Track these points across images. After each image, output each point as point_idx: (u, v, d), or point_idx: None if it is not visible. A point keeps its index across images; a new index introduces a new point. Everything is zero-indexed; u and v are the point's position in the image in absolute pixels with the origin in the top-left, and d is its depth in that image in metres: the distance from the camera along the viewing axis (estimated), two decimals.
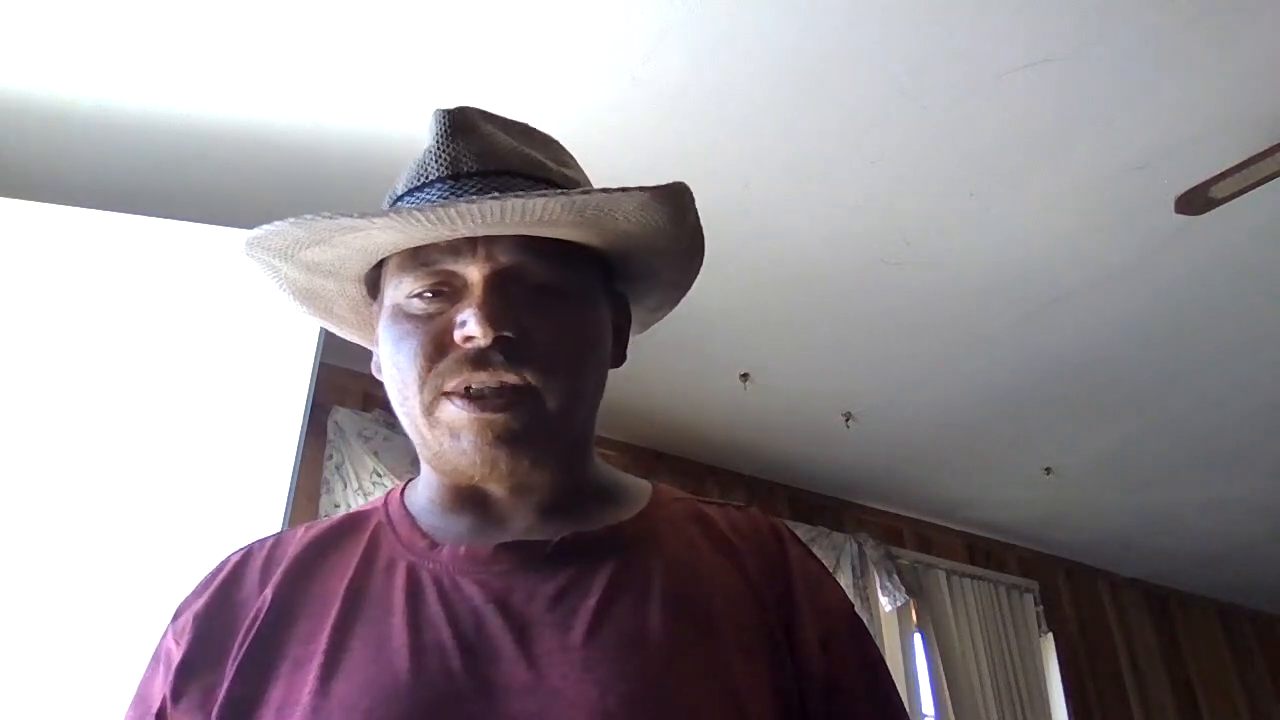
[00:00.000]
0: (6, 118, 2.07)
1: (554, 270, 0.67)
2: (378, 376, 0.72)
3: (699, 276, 0.79)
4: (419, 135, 0.72)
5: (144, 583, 1.53)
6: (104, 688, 1.44)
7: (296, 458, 1.67)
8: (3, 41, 1.90)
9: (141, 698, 0.67)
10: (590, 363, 0.69)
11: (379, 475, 2.72)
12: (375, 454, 2.74)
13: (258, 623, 0.65)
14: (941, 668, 3.64)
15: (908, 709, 3.40)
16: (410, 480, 0.76)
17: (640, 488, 0.76)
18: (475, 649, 0.61)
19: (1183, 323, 2.87)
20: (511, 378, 0.63)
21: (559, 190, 0.64)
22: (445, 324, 0.65)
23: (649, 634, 0.62)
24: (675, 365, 2.98)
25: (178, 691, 0.64)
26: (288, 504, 1.63)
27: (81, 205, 1.84)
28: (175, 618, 0.69)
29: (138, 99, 2.04)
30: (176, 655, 0.66)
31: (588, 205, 0.64)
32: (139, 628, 1.49)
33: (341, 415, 2.79)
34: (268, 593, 0.67)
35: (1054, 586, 4.39)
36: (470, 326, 0.62)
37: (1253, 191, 2.20)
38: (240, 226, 1.86)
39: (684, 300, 0.82)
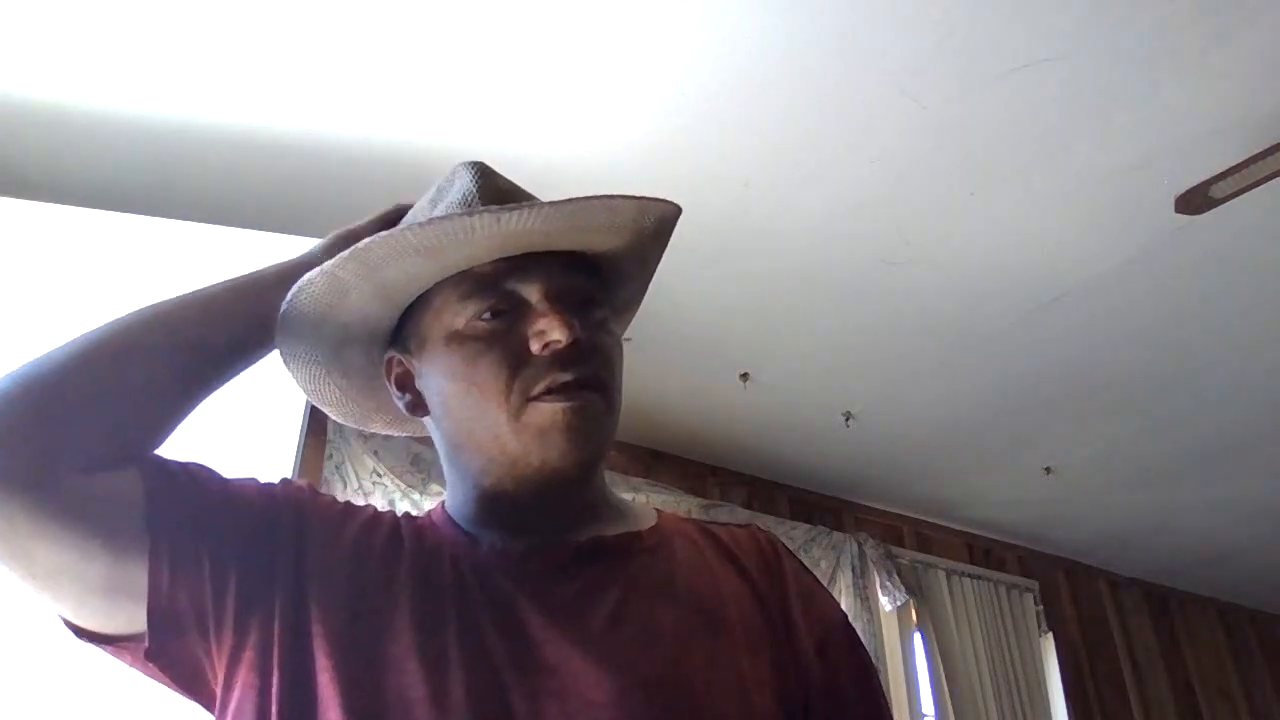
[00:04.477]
0: (7, 119, 2.07)
1: (589, 288, 0.76)
2: (416, 415, 0.78)
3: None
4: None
5: None
6: (106, 686, 1.44)
7: (297, 458, 1.68)
8: (5, 44, 1.90)
9: (263, 494, 0.73)
10: (620, 372, 0.77)
11: (379, 475, 2.72)
12: (375, 454, 2.74)
13: (341, 559, 0.70)
14: (941, 667, 3.64)
15: (908, 708, 3.39)
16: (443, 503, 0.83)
17: (645, 509, 0.83)
18: (509, 631, 0.67)
19: (1182, 322, 2.87)
20: (588, 370, 0.71)
21: (602, 194, 0.72)
22: (519, 338, 0.71)
23: (664, 628, 0.69)
24: (675, 365, 2.98)
25: (301, 552, 0.70)
26: None
27: (81, 205, 1.84)
28: (317, 493, 0.76)
29: (137, 101, 2.04)
30: (311, 510, 0.73)
31: (646, 211, 0.75)
32: None
33: None
34: (349, 534, 0.73)
35: (1054, 586, 4.39)
36: (553, 334, 0.69)
37: (1253, 191, 2.20)
38: (240, 227, 1.87)
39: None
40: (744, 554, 0.78)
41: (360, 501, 2.86)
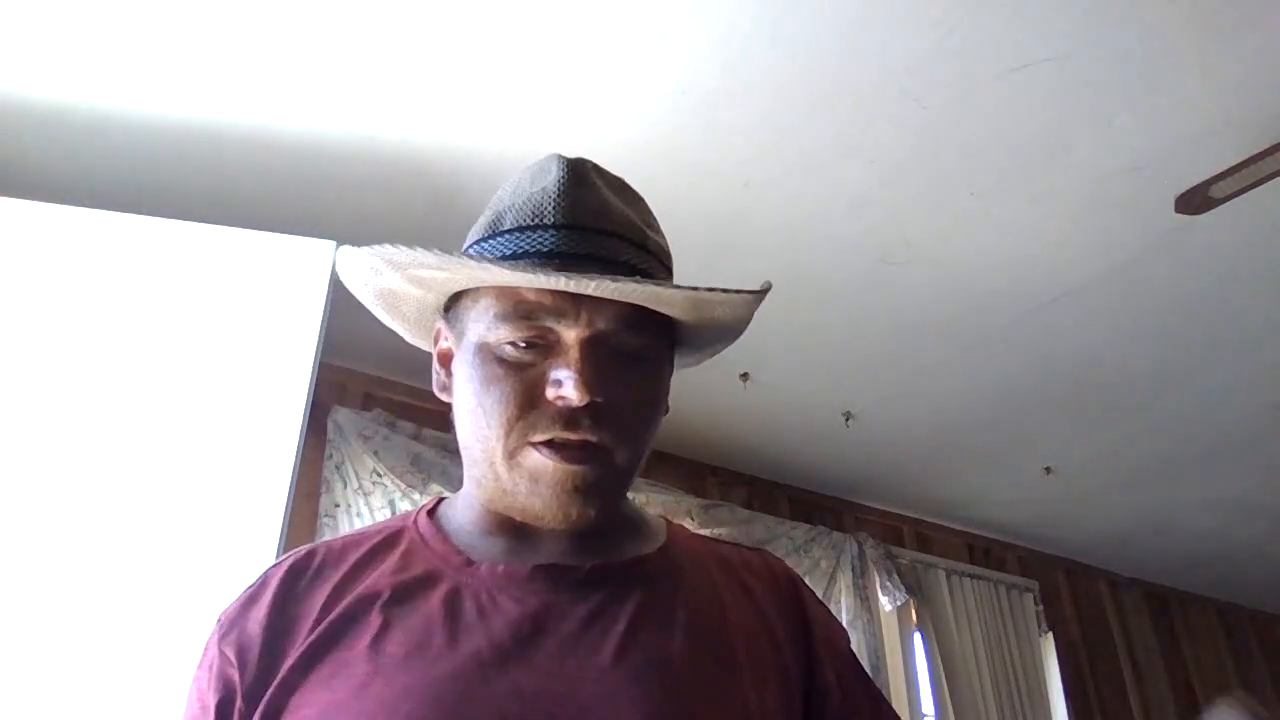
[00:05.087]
0: (7, 118, 2.07)
1: (640, 339, 0.71)
2: (442, 397, 0.76)
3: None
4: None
5: (145, 581, 1.53)
6: (106, 685, 1.44)
7: (296, 458, 1.68)
8: (5, 43, 1.90)
9: (204, 708, 0.68)
10: (654, 423, 0.74)
11: (379, 475, 2.72)
12: (375, 454, 2.74)
13: (313, 633, 0.68)
14: (941, 667, 3.64)
15: (908, 708, 3.39)
16: (440, 500, 0.80)
17: (657, 523, 0.81)
18: (510, 660, 0.64)
19: (1182, 322, 2.87)
20: (592, 437, 0.68)
21: (687, 285, 0.69)
22: (538, 377, 0.68)
23: (672, 660, 0.67)
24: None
25: (246, 712, 0.66)
26: (288, 503, 1.63)
27: (81, 205, 1.84)
28: (226, 633, 0.70)
29: (138, 100, 2.04)
30: (237, 675, 0.67)
31: (702, 300, 0.69)
32: (140, 624, 1.49)
33: (341, 415, 2.79)
34: (317, 604, 0.70)
35: (1054, 586, 4.39)
36: (568, 389, 0.66)
37: (1252, 191, 2.20)
38: (240, 227, 1.87)
39: None
40: (755, 580, 0.77)
41: (360, 501, 2.83)
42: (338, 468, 2.72)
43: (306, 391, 1.73)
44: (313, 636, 0.67)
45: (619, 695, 0.63)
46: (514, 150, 2.14)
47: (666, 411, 0.79)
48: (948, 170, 2.28)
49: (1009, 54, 1.97)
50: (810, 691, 0.73)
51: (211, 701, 0.67)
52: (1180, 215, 2.31)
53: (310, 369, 1.75)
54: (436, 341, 0.78)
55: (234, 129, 2.11)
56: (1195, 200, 2.23)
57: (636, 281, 0.66)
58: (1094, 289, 2.71)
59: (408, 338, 0.83)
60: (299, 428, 1.70)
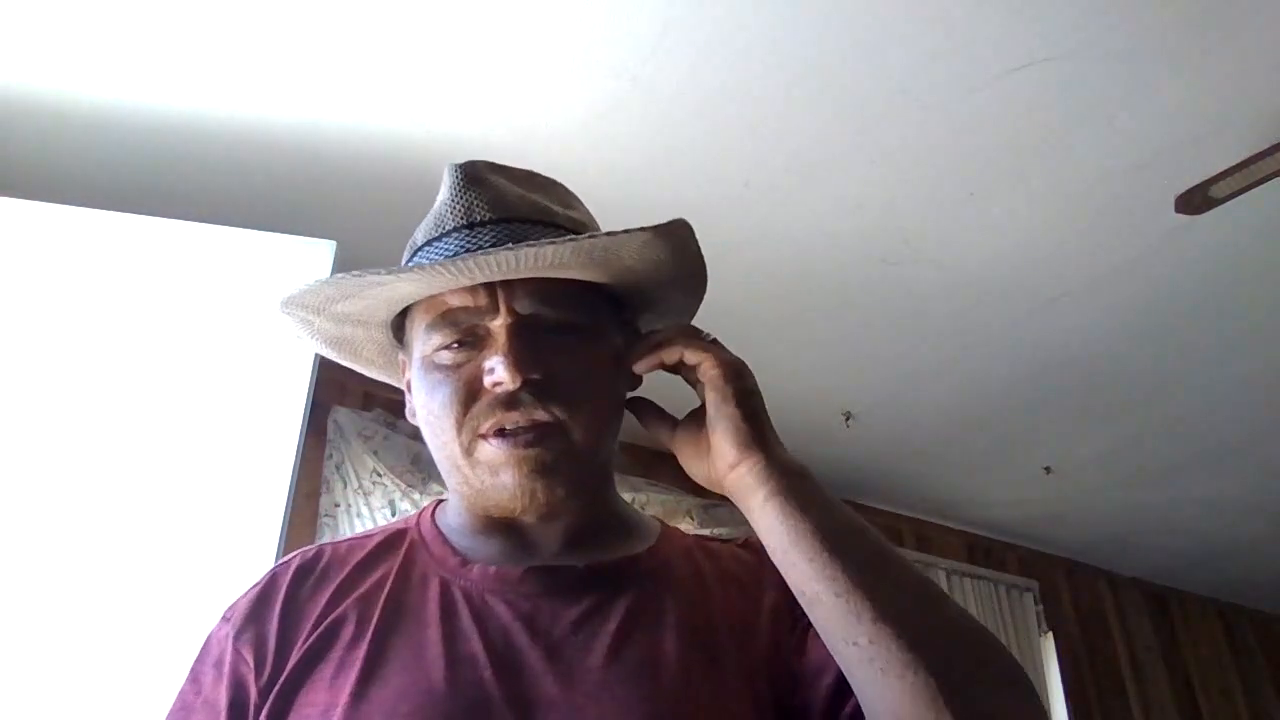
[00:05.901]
0: (6, 117, 2.07)
1: (569, 312, 0.72)
2: (413, 422, 0.77)
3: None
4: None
5: (145, 581, 1.53)
6: (106, 685, 1.44)
7: (296, 457, 1.67)
8: (3, 40, 1.90)
9: (209, 704, 0.69)
10: (607, 394, 0.74)
11: (379, 475, 2.72)
12: (375, 453, 2.74)
13: (315, 631, 0.69)
14: None
15: None
16: (440, 502, 0.81)
17: (650, 523, 0.81)
18: (505, 663, 0.65)
19: (1182, 322, 2.87)
20: (541, 415, 0.68)
21: (568, 236, 0.69)
22: (474, 371, 0.70)
23: (663, 660, 0.67)
24: None
25: (259, 706, 0.67)
26: (288, 503, 1.63)
27: (81, 205, 1.84)
28: (241, 630, 0.70)
29: (138, 98, 2.04)
30: (252, 675, 0.68)
31: (595, 248, 0.69)
32: (141, 624, 1.49)
33: (341, 415, 2.79)
34: (321, 603, 0.71)
35: (1054, 586, 4.39)
36: (499, 373, 0.67)
37: (1253, 191, 2.20)
38: (240, 226, 1.87)
39: None
40: (745, 571, 0.77)
41: (360, 501, 2.83)
42: (338, 468, 2.72)
43: (306, 391, 1.73)
44: (314, 637, 0.68)
45: (610, 697, 0.63)
46: (514, 149, 2.14)
47: (635, 386, 0.78)
48: (948, 170, 2.28)
49: (1009, 54, 1.97)
50: (793, 633, 0.71)
51: (222, 700, 0.68)
52: (1180, 215, 2.31)
53: (310, 369, 1.75)
54: (403, 373, 0.80)
55: (234, 128, 2.11)
56: (1195, 200, 2.23)
57: (509, 249, 0.66)
58: (1094, 289, 2.71)
59: (396, 383, 0.84)
60: (299, 428, 1.70)
